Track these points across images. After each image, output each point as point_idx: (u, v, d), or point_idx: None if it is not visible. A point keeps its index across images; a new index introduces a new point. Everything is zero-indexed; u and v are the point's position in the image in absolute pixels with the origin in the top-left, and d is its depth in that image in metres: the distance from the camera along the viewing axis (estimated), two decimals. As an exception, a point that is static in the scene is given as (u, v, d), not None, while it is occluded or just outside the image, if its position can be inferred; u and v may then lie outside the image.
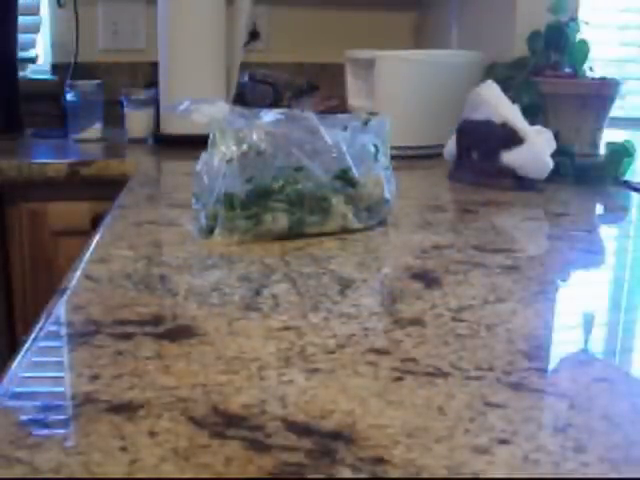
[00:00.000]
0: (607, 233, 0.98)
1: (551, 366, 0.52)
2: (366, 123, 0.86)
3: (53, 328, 0.55)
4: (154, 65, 1.60)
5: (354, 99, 1.50)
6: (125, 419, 0.41)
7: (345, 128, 0.84)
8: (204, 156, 0.79)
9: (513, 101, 1.16)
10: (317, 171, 0.80)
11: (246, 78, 1.72)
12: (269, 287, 0.65)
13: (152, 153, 1.52)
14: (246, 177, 0.78)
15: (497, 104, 1.15)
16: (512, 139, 1.12)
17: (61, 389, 0.46)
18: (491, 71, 1.36)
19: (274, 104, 1.66)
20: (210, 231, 0.78)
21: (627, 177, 1.20)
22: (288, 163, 0.80)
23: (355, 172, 0.83)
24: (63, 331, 0.54)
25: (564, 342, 0.57)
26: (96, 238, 0.80)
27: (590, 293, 0.70)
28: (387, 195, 0.86)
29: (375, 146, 0.86)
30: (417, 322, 0.58)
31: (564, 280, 0.74)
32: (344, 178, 0.83)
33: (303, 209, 0.80)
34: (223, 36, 1.54)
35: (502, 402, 0.45)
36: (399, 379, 0.47)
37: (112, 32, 1.89)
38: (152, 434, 0.40)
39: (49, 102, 1.75)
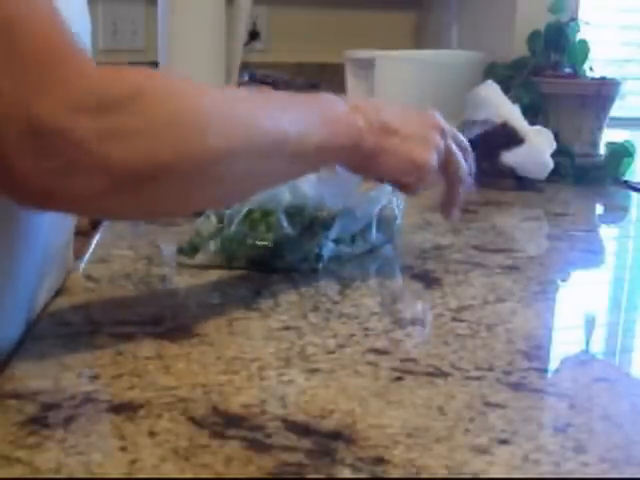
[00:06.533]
0: (607, 233, 0.98)
1: (551, 366, 0.52)
2: None
3: (53, 328, 0.55)
4: (154, 65, 1.59)
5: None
6: (125, 419, 0.41)
7: None
8: None
9: (513, 101, 1.16)
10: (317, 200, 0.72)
11: (246, 78, 1.72)
12: (269, 287, 0.65)
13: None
14: None
15: (497, 104, 1.14)
16: (512, 139, 1.12)
17: (61, 389, 0.46)
18: (491, 71, 1.36)
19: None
20: (194, 250, 0.70)
21: (627, 177, 1.20)
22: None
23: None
24: (63, 331, 0.54)
25: (564, 342, 0.57)
26: (96, 238, 0.79)
27: (590, 293, 0.70)
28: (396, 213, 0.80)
29: None
30: (417, 322, 0.58)
31: (564, 280, 0.74)
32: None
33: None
34: (223, 36, 1.54)
35: (502, 402, 0.45)
36: (399, 379, 0.47)
37: (112, 32, 1.88)
38: (152, 434, 0.40)
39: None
